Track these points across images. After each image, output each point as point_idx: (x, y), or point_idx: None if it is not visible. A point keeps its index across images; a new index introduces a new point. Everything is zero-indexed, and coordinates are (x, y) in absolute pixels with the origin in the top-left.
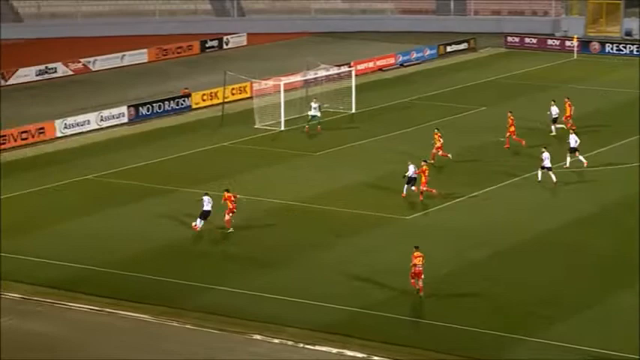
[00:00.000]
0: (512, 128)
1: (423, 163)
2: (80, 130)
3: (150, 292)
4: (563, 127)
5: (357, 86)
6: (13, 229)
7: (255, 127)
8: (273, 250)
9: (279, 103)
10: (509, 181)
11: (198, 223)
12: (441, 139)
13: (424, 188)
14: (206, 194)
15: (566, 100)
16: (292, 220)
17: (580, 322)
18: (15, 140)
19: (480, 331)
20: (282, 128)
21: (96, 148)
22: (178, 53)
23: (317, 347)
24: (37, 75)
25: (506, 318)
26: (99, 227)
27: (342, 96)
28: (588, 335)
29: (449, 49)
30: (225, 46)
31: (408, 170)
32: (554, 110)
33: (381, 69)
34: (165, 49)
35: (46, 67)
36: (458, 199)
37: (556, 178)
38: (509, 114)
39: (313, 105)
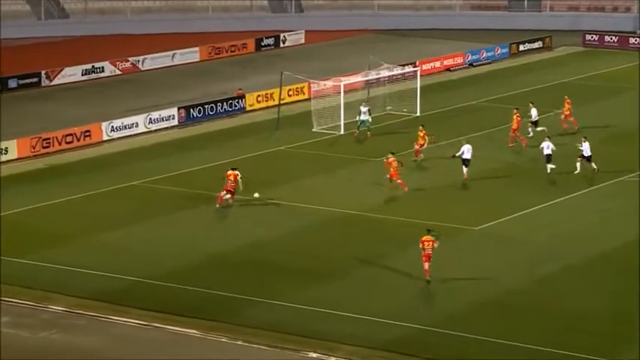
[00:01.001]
0: (515, 126)
1: (390, 155)
2: (128, 133)
3: (198, 305)
4: (544, 130)
5: (422, 87)
6: (55, 237)
7: (313, 130)
8: (329, 262)
9: (339, 105)
10: (586, 190)
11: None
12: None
13: (398, 180)
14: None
15: (566, 98)
16: (351, 230)
17: None
18: (59, 144)
19: (551, 351)
20: (342, 132)
21: (144, 152)
22: (232, 52)
23: None
24: (82, 75)
25: (576, 336)
26: (145, 236)
27: (406, 98)
28: None
29: (522, 47)
30: (281, 45)
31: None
32: (534, 112)
33: (448, 69)
34: (218, 48)
35: (93, 67)
36: (528, 209)
37: (596, 166)
38: (515, 111)
39: (362, 109)
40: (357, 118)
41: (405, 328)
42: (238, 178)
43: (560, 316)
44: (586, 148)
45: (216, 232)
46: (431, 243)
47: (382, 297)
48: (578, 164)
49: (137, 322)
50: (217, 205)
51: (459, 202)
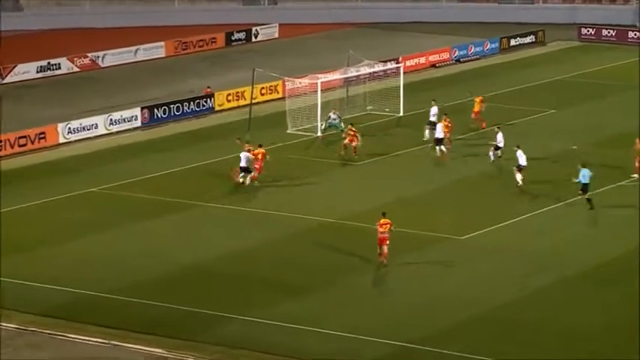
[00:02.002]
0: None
1: (259, 147)
2: (86, 136)
3: (164, 321)
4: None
5: (405, 85)
6: (7, 248)
7: (288, 132)
8: (307, 274)
9: (316, 104)
10: (579, 197)
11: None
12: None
13: (256, 174)
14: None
15: (479, 97)
16: (330, 240)
17: None
18: (12, 147)
19: None
20: (319, 134)
21: (104, 156)
22: (200, 47)
23: None
24: (37, 72)
25: (571, 353)
26: (108, 247)
27: (388, 97)
28: None
29: (513, 42)
30: (253, 39)
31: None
32: (433, 110)
33: (433, 65)
34: (185, 43)
35: (49, 63)
36: (521, 217)
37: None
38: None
39: (332, 116)
40: (324, 125)
41: (390, 345)
42: (265, 156)
43: (553, 331)
44: (520, 157)
45: (184, 243)
46: (388, 226)
47: (365, 312)
48: (490, 153)
49: (97, 340)
50: (256, 183)
51: (443, 210)
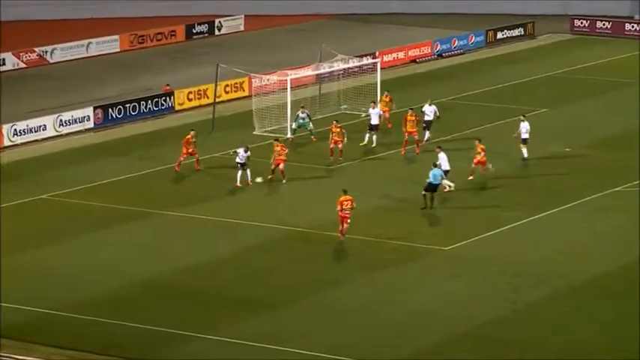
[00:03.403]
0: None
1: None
2: (34, 138)
3: (119, 341)
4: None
5: (383, 82)
6: None
7: (255, 133)
8: (275, 288)
9: (285, 103)
10: (573, 203)
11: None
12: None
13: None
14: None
15: (386, 93)
16: (301, 251)
17: None
18: None
19: None
20: (289, 135)
21: (54, 160)
22: (158, 41)
23: None
24: None
25: None
26: (58, 260)
27: (364, 95)
28: None
29: (500, 35)
30: (217, 32)
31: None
32: (429, 110)
33: (414, 61)
34: (141, 36)
35: None
36: (509, 226)
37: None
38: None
39: (301, 114)
40: (293, 125)
41: None
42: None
43: (544, 349)
44: (443, 160)
45: (141, 255)
46: (349, 203)
47: (338, 329)
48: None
49: None
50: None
51: (426, 219)
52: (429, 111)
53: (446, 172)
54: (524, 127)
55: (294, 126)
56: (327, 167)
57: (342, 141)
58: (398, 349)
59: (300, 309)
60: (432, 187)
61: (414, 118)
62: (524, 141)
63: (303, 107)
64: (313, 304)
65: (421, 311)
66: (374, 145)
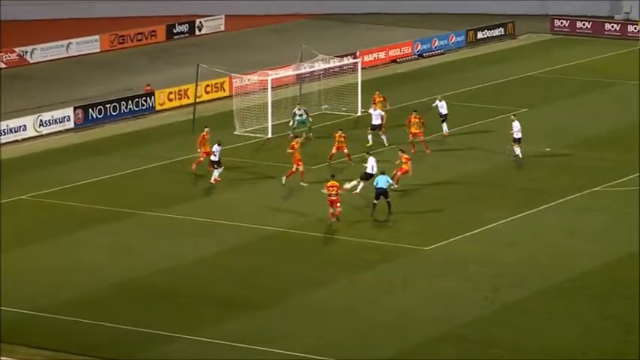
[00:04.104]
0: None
1: (295, 138)
2: (13, 138)
3: (100, 342)
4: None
5: (363, 82)
6: None
7: (236, 133)
8: (258, 289)
9: (266, 103)
10: (552, 203)
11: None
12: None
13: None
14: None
15: (378, 93)
16: (284, 252)
17: None
18: None
19: None
20: (270, 135)
21: (34, 160)
22: (139, 41)
23: None
24: None
25: None
26: (38, 261)
27: (345, 95)
28: None
29: (480, 35)
30: (197, 32)
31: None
32: (442, 104)
33: (394, 60)
34: (122, 36)
35: None
36: (488, 226)
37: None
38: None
39: (297, 112)
40: (291, 123)
41: None
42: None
43: (524, 349)
44: (515, 128)
45: (121, 255)
46: (335, 188)
47: (321, 330)
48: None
49: None
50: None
51: (406, 218)
52: (442, 105)
53: (369, 177)
54: (516, 127)
55: (292, 124)
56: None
57: (345, 146)
58: (379, 350)
59: (283, 309)
60: (381, 192)
61: (417, 119)
62: (517, 140)
63: (299, 105)
64: (295, 305)
65: (402, 311)
66: (387, 145)
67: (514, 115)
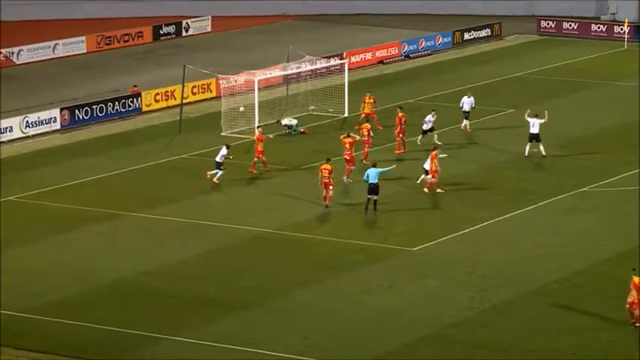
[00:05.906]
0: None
1: (348, 135)
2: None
3: (84, 343)
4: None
5: (350, 83)
6: None
7: (222, 134)
8: (243, 290)
9: (253, 104)
10: (540, 204)
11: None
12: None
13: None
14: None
15: (369, 94)
16: (269, 253)
17: None
18: None
19: None
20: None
21: (20, 161)
22: (125, 42)
23: None
24: None
25: None
26: (25, 262)
27: (331, 96)
28: None
29: (467, 36)
30: (184, 33)
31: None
32: (468, 101)
33: (381, 61)
34: (108, 37)
35: None
36: (476, 226)
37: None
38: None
39: (293, 121)
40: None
41: None
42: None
43: (512, 350)
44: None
45: (108, 256)
46: (327, 172)
47: (306, 332)
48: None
49: None
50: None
51: (392, 219)
52: (467, 102)
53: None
54: (536, 122)
55: (295, 130)
56: (279, 165)
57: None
58: (365, 351)
59: (269, 310)
60: (373, 188)
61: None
62: (537, 137)
63: (285, 115)
64: (282, 306)
65: (388, 312)
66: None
67: (537, 115)
